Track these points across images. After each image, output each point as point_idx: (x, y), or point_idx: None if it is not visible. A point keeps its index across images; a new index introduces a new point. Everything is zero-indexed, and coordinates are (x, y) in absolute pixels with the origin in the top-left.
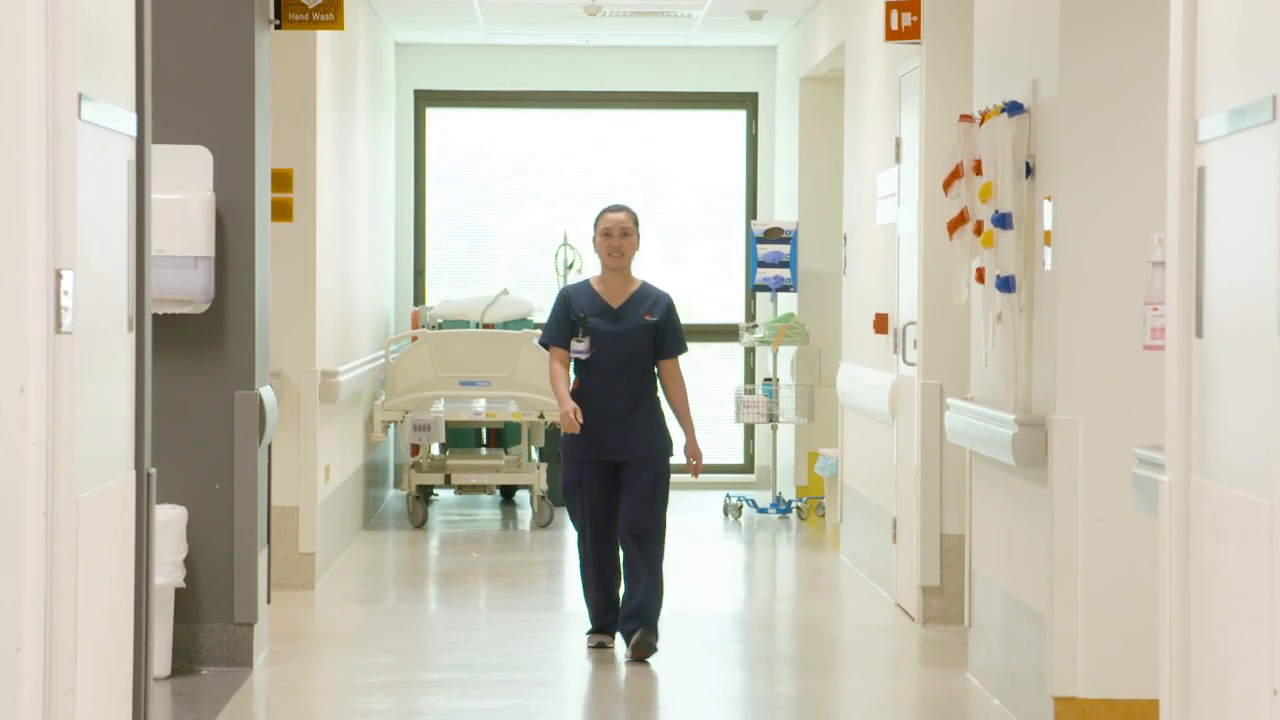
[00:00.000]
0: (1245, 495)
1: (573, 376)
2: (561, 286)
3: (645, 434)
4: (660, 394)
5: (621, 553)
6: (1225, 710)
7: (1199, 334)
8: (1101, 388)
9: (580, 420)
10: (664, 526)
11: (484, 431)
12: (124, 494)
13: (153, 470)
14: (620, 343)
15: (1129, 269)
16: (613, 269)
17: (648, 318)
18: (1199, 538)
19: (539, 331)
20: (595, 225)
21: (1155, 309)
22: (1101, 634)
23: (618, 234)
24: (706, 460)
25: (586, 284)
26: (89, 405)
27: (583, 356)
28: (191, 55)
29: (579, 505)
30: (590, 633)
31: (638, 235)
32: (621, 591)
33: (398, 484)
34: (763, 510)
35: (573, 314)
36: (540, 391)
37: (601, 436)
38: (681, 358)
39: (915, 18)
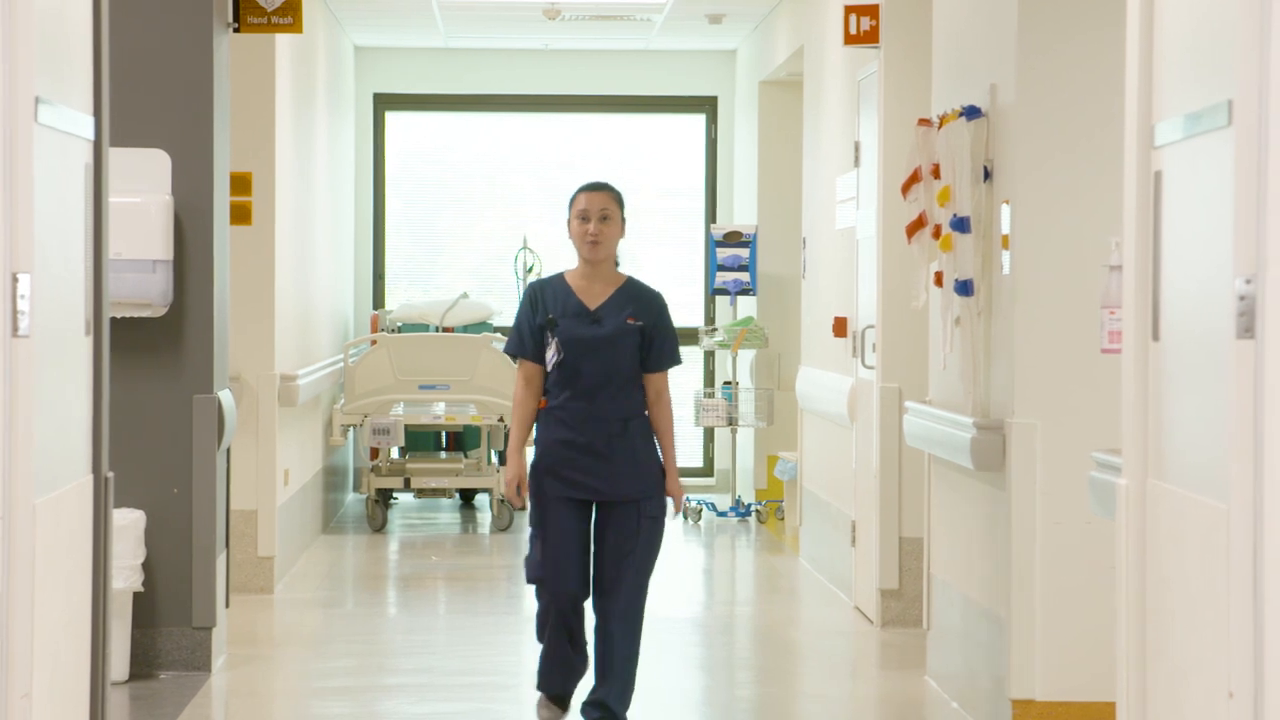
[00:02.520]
0: (1202, 499)
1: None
2: (530, 281)
3: (632, 466)
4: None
5: (592, 617)
6: (1182, 713)
7: (1155, 338)
8: (1059, 391)
9: (526, 493)
10: (646, 592)
11: (443, 435)
12: (81, 498)
13: (110, 474)
14: (598, 351)
15: (1086, 273)
16: (590, 261)
17: (632, 321)
18: (1156, 541)
19: (499, 335)
20: (570, 207)
21: (1112, 313)
22: (1059, 637)
23: (596, 217)
24: None
25: (560, 279)
26: (46, 409)
27: (550, 365)
28: (150, 58)
29: (544, 546)
30: (544, 699)
31: (622, 220)
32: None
33: (357, 488)
34: (722, 514)
35: (539, 315)
36: (500, 395)
37: (577, 468)
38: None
39: (874, 22)
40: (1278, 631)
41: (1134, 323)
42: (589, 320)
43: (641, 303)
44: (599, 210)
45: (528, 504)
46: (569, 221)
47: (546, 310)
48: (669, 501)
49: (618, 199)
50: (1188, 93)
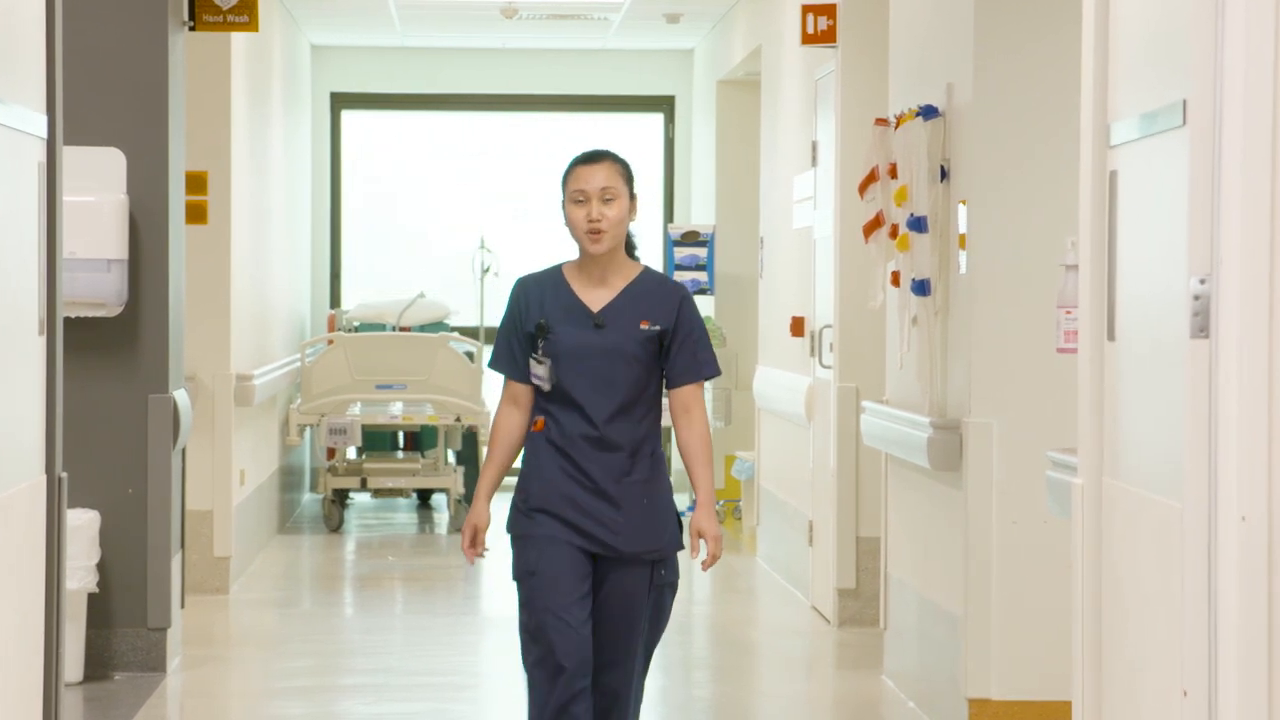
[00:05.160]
0: (1157, 498)
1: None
2: (519, 277)
3: (643, 514)
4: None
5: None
6: (1137, 711)
7: (1111, 337)
8: (1015, 391)
9: (482, 551)
10: (645, 672)
11: (400, 435)
12: (34, 498)
13: (64, 474)
14: (603, 366)
15: (1043, 272)
16: (592, 253)
17: (646, 326)
18: (1111, 540)
19: (456, 335)
20: (563, 186)
21: (1068, 312)
22: (1015, 636)
23: (597, 198)
24: None
25: (557, 272)
26: None
27: (543, 386)
28: (104, 56)
29: (536, 599)
30: None
31: (631, 198)
32: None
33: (313, 488)
34: (681, 513)
35: (529, 320)
36: (458, 394)
37: (581, 510)
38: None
39: (831, 22)
40: (1231, 630)
41: (1090, 322)
42: (590, 324)
43: (657, 300)
44: (600, 188)
45: (480, 559)
46: (563, 205)
47: (537, 313)
48: (701, 544)
49: (624, 171)
50: (1143, 93)
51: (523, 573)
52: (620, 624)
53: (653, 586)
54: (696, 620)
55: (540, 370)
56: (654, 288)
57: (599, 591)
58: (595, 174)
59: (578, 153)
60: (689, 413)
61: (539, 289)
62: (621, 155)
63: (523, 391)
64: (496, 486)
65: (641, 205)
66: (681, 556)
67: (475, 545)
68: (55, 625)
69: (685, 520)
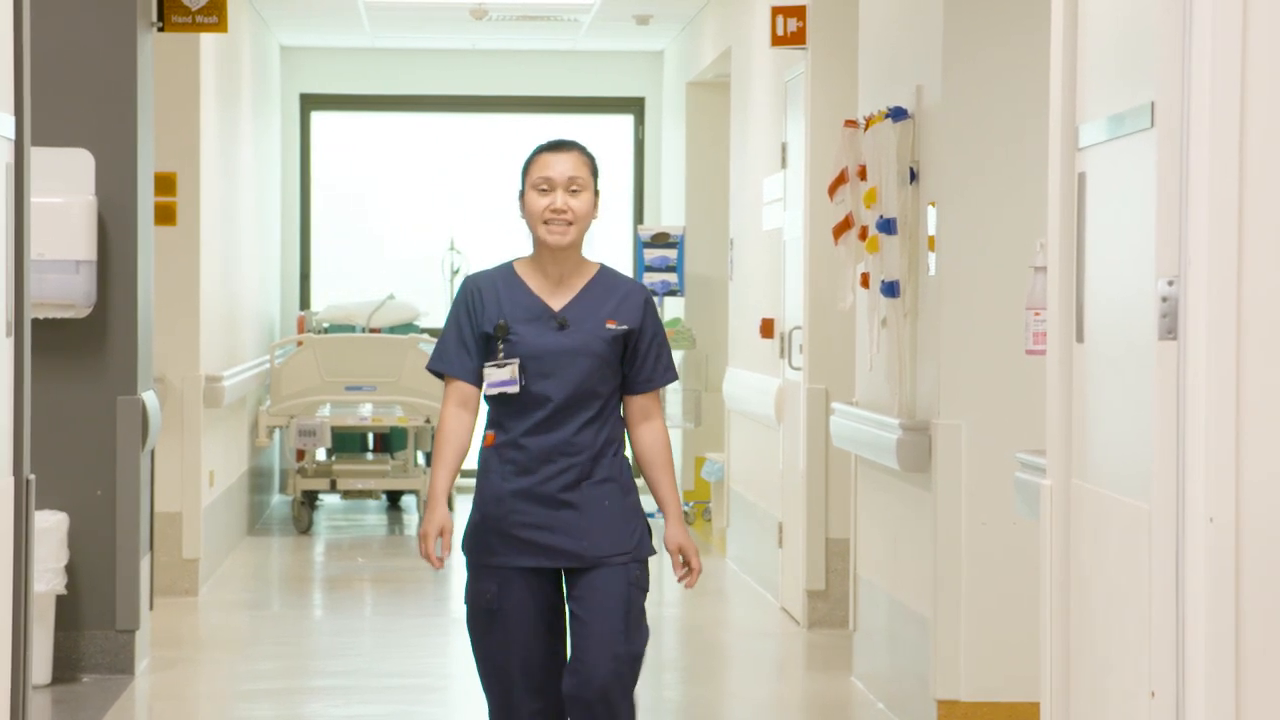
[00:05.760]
0: (1125, 499)
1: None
2: (467, 276)
3: (609, 516)
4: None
5: None
6: (1104, 712)
7: (1080, 339)
8: (984, 392)
9: (445, 554)
10: (636, 679)
11: (370, 436)
12: (2, 500)
13: (32, 476)
14: (567, 368)
15: (1012, 274)
16: (553, 247)
17: (612, 325)
18: (1079, 541)
19: (426, 336)
20: (524, 174)
21: (1037, 314)
22: (984, 637)
23: (563, 187)
24: None
25: (509, 270)
26: None
27: (510, 389)
28: (72, 57)
29: (493, 641)
30: None
31: (596, 193)
32: None
33: (283, 489)
34: (650, 515)
35: (485, 320)
36: (427, 396)
37: (538, 525)
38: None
39: (801, 23)
40: (1199, 631)
41: (1058, 324)
42: (553, 324)
43: (622, 299)
44: (567, 178)
45: (449, 560)
46: (522, 195)
47: (495, 313)
48: (682, 560)
49: (591, 163)
50: (1111, 95)
51: (480, 610)
52: (605, 631)
53: (628, 585)
54: (666, 622)
55: (503, 374)
56: (616, 286)
57: (579, 605)
58: (562, 162)
59: (542, 140)
60: (650, 420)
61: (493, 287)
62: (589, 148)
63: (471, 394)
64: (450, 487)
65: (611, 206)
66: (666, 575)
67: (444, 546)
68: (23, 627)
69: (652, 524)
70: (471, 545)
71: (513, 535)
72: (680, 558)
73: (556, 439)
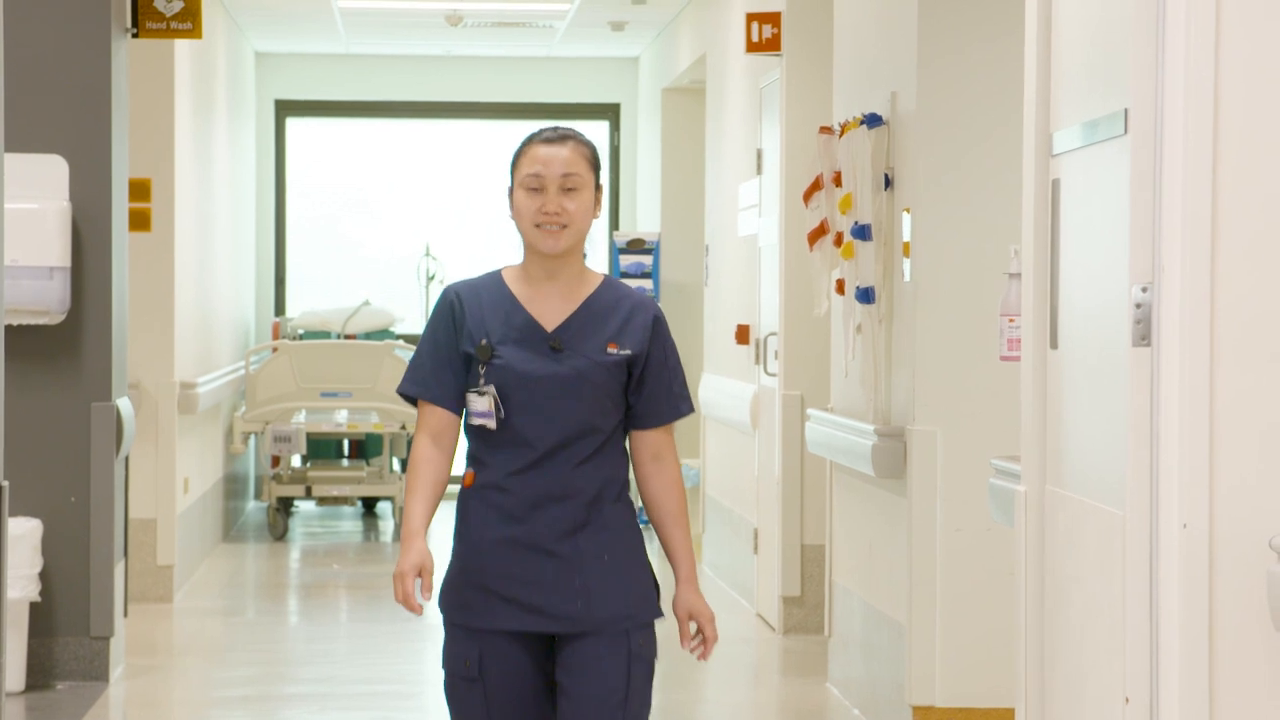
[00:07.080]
0: (1099, 505)
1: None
2: (448, 285)
3: (605, 572)
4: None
5: None
6: (1079, 718)
7: (1054, 345)
8: (959, 399)
9: (425, 597)
10: None
11: (345, 443)
12: None
13: (5, 482)
14: (559, 399)
15: (986, 280)
16: (546, 253)
17: (614, 349)
18: (1054, 548)
19: (401, 343)
20: (513, 168)
21: (1011, 320)
22: (959, 643)
23: (556, 186)
24: None
25: (496, 280)
26: None
27: (488, 424)
28: (46, 63)
29: (473, 713)
30: None
31: (598, 189)
32: None
33: (258, 496)
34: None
35: (466, 337)
36: (403, 402)
37: (527, 581)
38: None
39: (776, 30)
40: (1173, 637)
41: (1033, 330)
42: (544, 346)
43: (627, 318)
44: (561, 175)
45: (428, 605)
46: (511, 193)
47: (478, 330)
48: (702, 629)
49: (591, 156)
50: (1085, 101)
51: (458, 677)
52: (593, 710)
53: (631, 660)
54: None
55: (481, 404)
56: (621, 302)
57: (569, 679)
58: (557, 157)
59: (535, 130)
60: (660, 460)
61: (475, 299)
62: (588, 138)
63: (448, 423)
64: (428, 521)
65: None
66: (672, 641)
67: (424, 588)
68: None
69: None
70: (449, 603)
71: (495, 592)
72: (693, 625)
73: (547, 481)
